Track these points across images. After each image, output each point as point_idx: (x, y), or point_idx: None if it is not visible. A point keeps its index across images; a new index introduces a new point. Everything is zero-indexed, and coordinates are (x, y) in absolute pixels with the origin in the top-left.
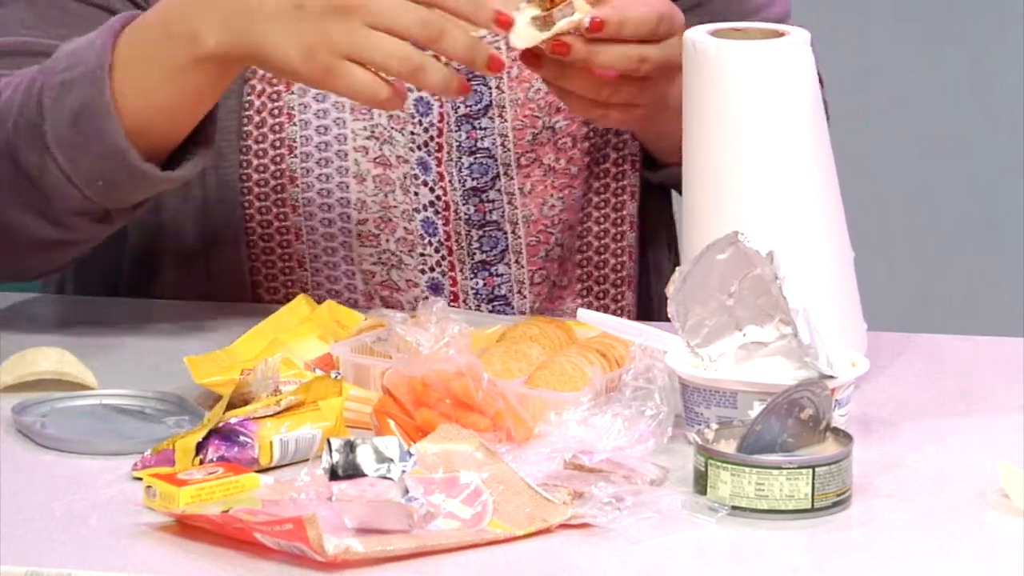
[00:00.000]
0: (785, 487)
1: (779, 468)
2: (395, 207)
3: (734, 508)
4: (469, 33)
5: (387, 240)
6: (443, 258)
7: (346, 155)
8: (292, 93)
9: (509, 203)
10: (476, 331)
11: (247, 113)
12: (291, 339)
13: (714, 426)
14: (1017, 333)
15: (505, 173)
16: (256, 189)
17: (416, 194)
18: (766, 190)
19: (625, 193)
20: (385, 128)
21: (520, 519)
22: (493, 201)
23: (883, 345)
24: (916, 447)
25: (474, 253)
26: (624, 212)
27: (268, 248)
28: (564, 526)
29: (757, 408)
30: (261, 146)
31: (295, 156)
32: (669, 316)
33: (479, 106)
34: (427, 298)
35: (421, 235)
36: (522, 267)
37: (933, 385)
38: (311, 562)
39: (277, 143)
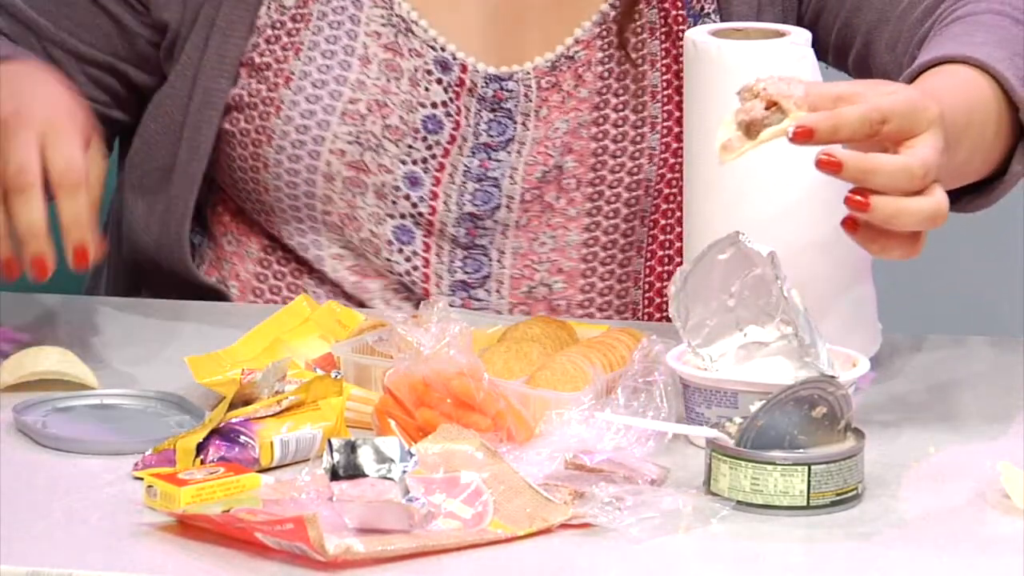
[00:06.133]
0: (780, 483)
1: (773, 464)
2: (362, 208)
3: (733, 501)
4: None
5: (352, 235)
6: (415, 268)
7: (318, 155)
8: (288, 88)
9: (502, 233)
10: (477, 331)
11: (238, 92)
12: (292, 339)
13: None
14: (1017, 333)
15: (507, 206)
16: (234, 151)
17: (394, 203)
18: (768, 189)
19: (632, 248)
20: (375, 137)
21: (521, 519)
22: (487, 228)
23: (884, 345)
24: (916, 447)
25: (455, 272)
26: (630, 268)
27: (242, 191)
28: (565, 526)
29: (758, 407)
30: (244, 128)
31: (271, 146)
32: (670, 316)
33: (502, 138)
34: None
35: (389, 240)
36: (503, 297)
37: (933, 385)
38: (312, 562)
39: (259, 129)
